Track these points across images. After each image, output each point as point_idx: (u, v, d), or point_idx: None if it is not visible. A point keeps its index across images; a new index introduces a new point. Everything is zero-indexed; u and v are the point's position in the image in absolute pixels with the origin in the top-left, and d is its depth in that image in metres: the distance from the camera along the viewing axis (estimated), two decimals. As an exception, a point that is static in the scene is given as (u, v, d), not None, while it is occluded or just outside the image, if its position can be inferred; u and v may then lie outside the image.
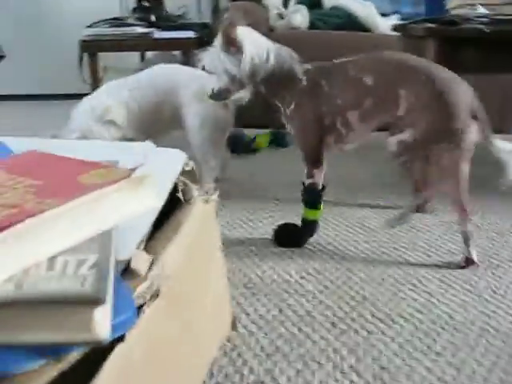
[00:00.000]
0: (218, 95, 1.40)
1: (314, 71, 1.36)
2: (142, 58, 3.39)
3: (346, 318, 1.09)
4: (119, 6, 3.56)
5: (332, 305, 1.15)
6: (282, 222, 1.49)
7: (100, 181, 0.53)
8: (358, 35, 2.43)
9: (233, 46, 1.31)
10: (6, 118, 3.24)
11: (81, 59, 2.70)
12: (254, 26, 2.43)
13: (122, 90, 1.84)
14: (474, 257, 1.30)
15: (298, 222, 1.44)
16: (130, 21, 2.79)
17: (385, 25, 2.55)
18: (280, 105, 1.39)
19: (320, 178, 1.41)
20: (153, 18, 2.80)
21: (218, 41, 1.34)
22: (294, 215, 1.48)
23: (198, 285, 0.72)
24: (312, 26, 2.62)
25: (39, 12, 3.85)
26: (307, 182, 1.41)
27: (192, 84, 1.73)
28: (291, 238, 1.44)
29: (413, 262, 1.35)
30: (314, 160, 1.39)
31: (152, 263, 0.55)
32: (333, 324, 1.07)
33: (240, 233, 1.54)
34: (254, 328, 1.06)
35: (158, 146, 1.02)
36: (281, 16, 2.71)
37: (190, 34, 2.62)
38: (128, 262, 0.53)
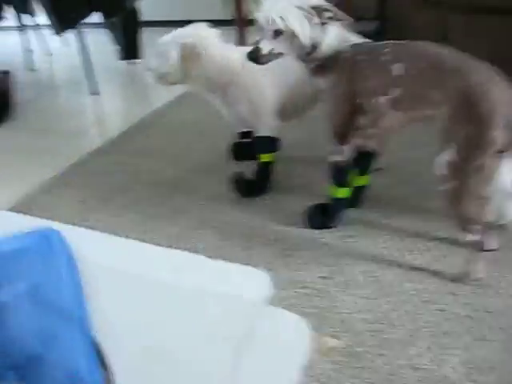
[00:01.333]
0: (261, 56, 1.30)
1: (354, 49, 1.32)
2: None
3: None
4: None
5: None
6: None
7: None
8: None
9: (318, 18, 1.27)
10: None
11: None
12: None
13: None
14: None
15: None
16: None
17: None
18: (321, 81, 1.36)
19: (348, 155, 1.40)
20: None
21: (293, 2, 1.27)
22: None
23: None
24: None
25: None
26: (333, 159, 1.40)
27: None
28: (322, 218, 1.46)
29: None
30: (341, 136, 1.38)
31: None
32: None
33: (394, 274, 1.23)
34: None
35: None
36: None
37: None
38: None
